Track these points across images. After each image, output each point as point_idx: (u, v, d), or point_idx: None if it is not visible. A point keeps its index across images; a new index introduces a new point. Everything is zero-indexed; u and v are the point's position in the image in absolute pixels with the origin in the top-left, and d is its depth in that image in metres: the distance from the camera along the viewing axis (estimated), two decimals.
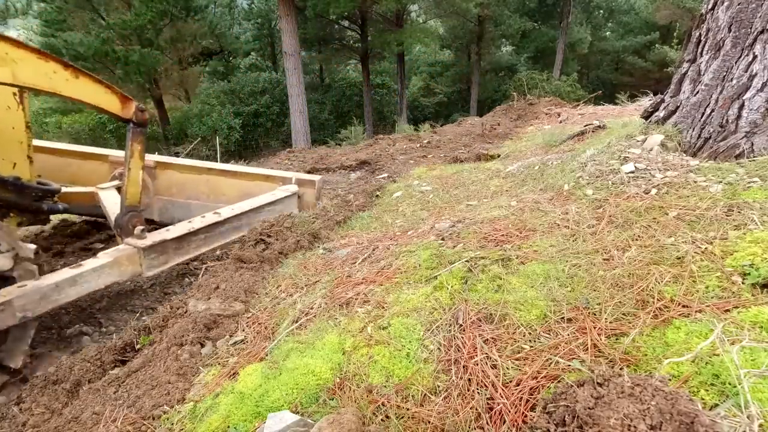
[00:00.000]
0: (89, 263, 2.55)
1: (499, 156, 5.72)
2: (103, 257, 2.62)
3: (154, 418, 1.57)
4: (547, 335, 1.47)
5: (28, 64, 2.12)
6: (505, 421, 1.21)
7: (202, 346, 2.01)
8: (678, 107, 2.74)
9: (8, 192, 2.62)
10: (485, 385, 1.34)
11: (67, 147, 4.19)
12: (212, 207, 3.51)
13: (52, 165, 3.86)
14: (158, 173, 3.97)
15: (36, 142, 3.17)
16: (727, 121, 2.40)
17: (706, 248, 1.65)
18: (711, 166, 2.29)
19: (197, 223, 3.10)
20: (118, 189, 3.54)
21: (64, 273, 2.41)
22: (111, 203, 3.31)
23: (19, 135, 2.81)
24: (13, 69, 2.06)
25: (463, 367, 1.42)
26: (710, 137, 2.48)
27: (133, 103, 2.71)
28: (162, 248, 2.89)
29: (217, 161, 16.12)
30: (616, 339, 1.37)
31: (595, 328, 1.42)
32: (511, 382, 1.32)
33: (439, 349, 1.54)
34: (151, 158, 3.94)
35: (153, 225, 3.69)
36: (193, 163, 4.06)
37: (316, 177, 3.96)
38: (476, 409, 1.27)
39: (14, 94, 2.73)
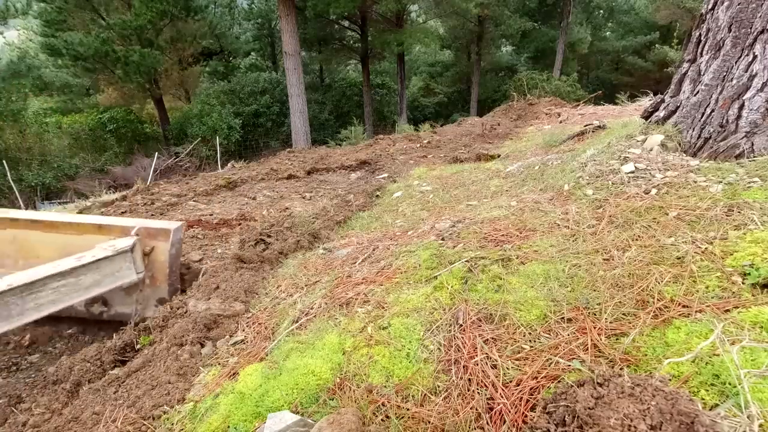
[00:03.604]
0: None
1: (499, 156, 5.73)
2: None
3: (154, 418, 1.57)
4: (547, 335, 1.47)
5: None
6: (505, 421, 1.21)
7: (202, 346, 2.01)
8: (678, 107, 2.74)
9: None
10: (485, 385, 1.34)
11: None
12: None
13: None
14: None
15: None
16: (727, 121, 2.40)
17: (706, 248, 1.64)
18: (711, 166, 2.29)
19: None
20: None
21: None
22: None
23: None
24: None
25: (463, 367, 1.42)
26: (710, 137, 2.48)
27: None
28: None
29: (217, 161, 16.04)
30: (616, 339, 1.37)
31: (595, 328, 1.42)
32: (511, 382, 1.32)
33: (439, 349, 1.54)
34: None
35: None
36: None
37: (172, 225, 2.73)
38: (476, 409, 1.27)
39: None
